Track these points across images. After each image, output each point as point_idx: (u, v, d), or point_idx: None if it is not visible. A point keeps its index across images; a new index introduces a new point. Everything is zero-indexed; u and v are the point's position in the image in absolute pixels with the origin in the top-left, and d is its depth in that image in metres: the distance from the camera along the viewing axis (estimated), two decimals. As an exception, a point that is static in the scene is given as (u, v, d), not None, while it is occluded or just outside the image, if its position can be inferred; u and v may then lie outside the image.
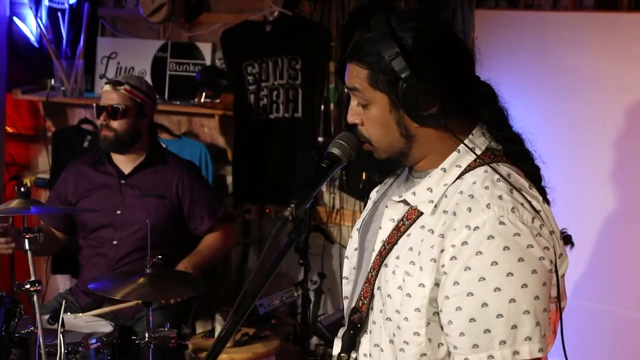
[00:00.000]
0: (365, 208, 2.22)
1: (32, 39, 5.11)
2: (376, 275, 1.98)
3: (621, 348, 3.51)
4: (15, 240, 3.61)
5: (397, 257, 1.94)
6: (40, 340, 3.02)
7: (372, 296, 1.99)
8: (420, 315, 1.88)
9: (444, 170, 1.95)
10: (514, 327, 1.81)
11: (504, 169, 1.94)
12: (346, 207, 4.61)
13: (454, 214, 1.87)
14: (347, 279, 2.19)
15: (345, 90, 4.43)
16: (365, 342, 2.02)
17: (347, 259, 2.20)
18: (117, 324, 3.69)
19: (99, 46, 5.11)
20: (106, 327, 3.61)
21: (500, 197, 1.86)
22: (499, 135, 1.98)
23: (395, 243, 1.96)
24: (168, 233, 3.99)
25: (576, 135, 3.55)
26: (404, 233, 1.95)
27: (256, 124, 4.66)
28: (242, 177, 4.74)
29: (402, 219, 1.97)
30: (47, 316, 3.26)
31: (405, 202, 1.97)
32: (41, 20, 5.05)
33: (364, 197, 4.32)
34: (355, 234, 2.18)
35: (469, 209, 1.85)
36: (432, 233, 1.89)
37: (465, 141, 1.95)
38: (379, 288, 1.97)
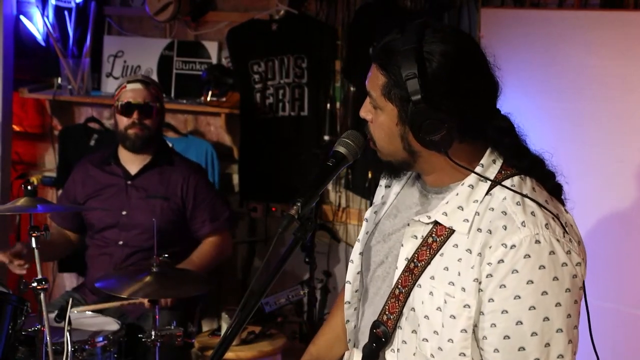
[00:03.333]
0: (363, 229, 2.19)
1: (39, 37, 5.12)
2: (407, 294, 1.95)
3: (625, 346, 3.51)
4: (28, 260, 3.66)
5: (432, 278, 1.92)
6: (47, 338, 3.02)
7: (400, 314, 1.96)
8: (466, 336, 1.89)
9: (472, 187, 1.93)
10: (547, 345, 1.84)
11: (527, 182, 1.94)
12: (352, 205, 4.62)
13: (489, 231, 1.87)
14: (349, 303, 2.18)
15: (352, 88, 4.45)
16: None
17: (349, 283, 2.18)
18: (123, 322, 3.69)
19: (105, 45, 5.12)
20: (113, 325, 3.61)
21: (533, 214, 1.87)
22: (517, 166, 1.96)
23: (428, 263, 1.93)
24: (173, 234, 3.99)
25: (581, 134, 3.55)
26: (436, 252, 1.93)
27: (262, 123, 4.66)
28: (248, 175, 4.75)
29: (430, 236, 1.95)
30: (53, 314, 3.27)
31: (436, 222, 1.94)
32: (48, 18, 5.06)
33: (369, 196, 4.32)
34: (357, 258, 2.16)
35: (505, 227, 1.86)
36: (470, 253, 1.88)
37: (481, 163, 1.94)
38: (412, 309, 1.94)
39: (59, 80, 5.09)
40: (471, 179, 1.94)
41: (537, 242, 1.83)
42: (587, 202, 3.48)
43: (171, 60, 4.96)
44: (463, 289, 1.87)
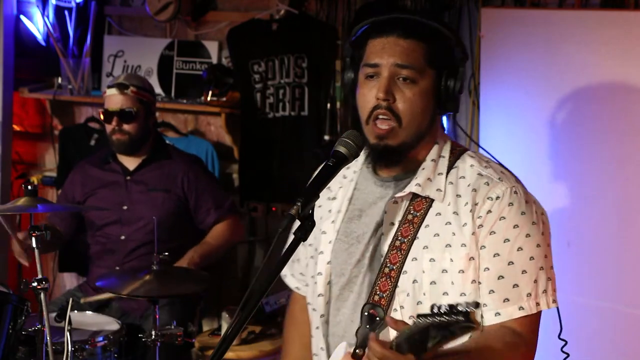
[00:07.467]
0: (324, 241, 2.23)
1: (39, 37, 5.12)
2: (400, 269, 2.06)
3: (625, 346, 3.51)
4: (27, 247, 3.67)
5: (426, 247, 2.06)
6: (47, 338, 3.02)
7: (394, 290, 2.06)
8: (476, 287, 2.06)
9: (434, 161, 2.14)
10: (535, 281, 2.08)
11: (477, 154, 2.21)
12: (352, 205, 4.61)
13: (474, 190, 2.10)
14: (323, 295, 2.21)
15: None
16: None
17: (322, 296, 2.21)
18: (124, 321, 3.70)
19: (105, 44, 5.12)
20: (113, 324, 3.62)
21: (502, 172, 2.15)
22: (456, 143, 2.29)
23: (415, 237, 2.07)
24: (175, 227, 4.00)
25: (581, 134, 3.55)
26: (420, 224, 2.08)
27: (262, 122, 4.66)
28: (248, 175, 4.75)
29: (409, 213, 2.09)
30: (54, 314, 3.28)
31: (411, 195, 2.10)
32: (48, 18, 5.06)
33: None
34: (325, 268, 2.20)
35: (487, 183, 2.10)
36: (458, 214, 2.07)
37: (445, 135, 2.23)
38: (414, 281, 2.06)
39: (60, 80, 5.09)
40: (433, 154, 2.15)
41: (515, 192, 2.10)
42: (587, 201, 3.49)
43: (171, 60, 4.96)
44: (464, 245, 2.05)
